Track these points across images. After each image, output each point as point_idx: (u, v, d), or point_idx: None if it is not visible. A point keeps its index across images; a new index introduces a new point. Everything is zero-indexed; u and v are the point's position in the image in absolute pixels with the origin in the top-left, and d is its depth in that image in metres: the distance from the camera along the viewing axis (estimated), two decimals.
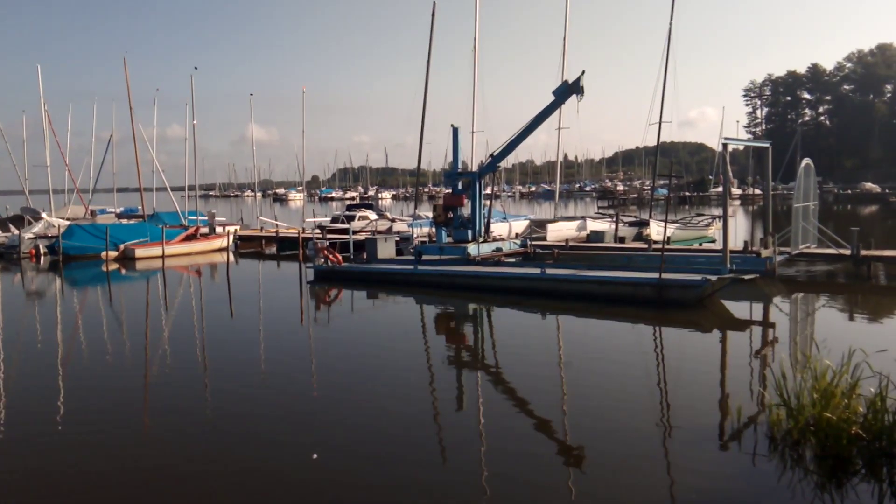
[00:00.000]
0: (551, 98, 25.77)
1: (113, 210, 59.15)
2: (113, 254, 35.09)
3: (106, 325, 20.67)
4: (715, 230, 35.99)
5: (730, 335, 16.88)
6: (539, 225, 35.99)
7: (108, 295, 27.17)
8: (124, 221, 47.39)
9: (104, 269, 32.85)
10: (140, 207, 49.42)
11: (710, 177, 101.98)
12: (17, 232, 38.25)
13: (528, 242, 29.03)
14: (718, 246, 24.94)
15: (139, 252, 35.26)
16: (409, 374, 13.76)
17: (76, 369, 14.98)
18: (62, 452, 9.95)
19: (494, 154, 27.09)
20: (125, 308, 23.97)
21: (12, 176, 53.23)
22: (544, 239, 32.98)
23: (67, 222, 40.42)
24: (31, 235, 37.61)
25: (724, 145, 21.77)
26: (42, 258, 35.89)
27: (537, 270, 22.20)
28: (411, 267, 24.99)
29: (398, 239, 31.47)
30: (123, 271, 32.35)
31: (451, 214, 27.37)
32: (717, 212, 39.34)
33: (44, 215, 42.30)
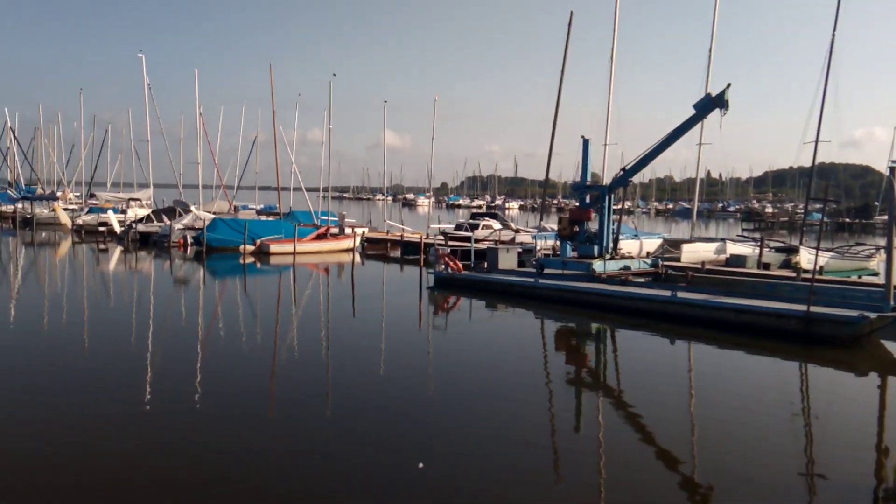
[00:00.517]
0: (692, 111, 24.68)
1: (253, 207, 62.95)
2: (250, 248, 37.28)
3: (241, 313, 21.95)
4: (878, 262, 32.92)
5: (891, 381, 15.30)
6: (673, 245, 34.53)
7: (243, 286, 28.86)
8: (263, 218, 50.28)
9: (241, 261, 34.97)
10: (277, 205, 52.24)
11: (877, 203, 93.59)
12: (169, 222, 41.59)
13: (660, 262, 27.93)
14: (881, 280, 22.77)
15: (274, 248, 37.24)
16: (525, 388, 13.58)
17: (213, 352, 15.98)
18: (196, 427, 10.65)
19: (627, 168, 26.29)
20: (259, 299, 25.34)
21: (169, 171, 58.19)
22: (678, 260, 31.58)
23: (212, 216, 43.39)
24: (181, 226, 40.70)
25: (892, 169, 19.84)
26: (189, 248, 38.71)
27: (668, 293, 21.26)
28: (532, 280, 24.73)
29: (520, 250, 31.26)
30: (258, 265, 34.28)
31: (576, 228, 26.82)
32: (882, 242, 36.09)
33: (193, 208, 45.68)
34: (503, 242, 36.75)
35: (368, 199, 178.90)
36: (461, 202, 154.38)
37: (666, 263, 28.31)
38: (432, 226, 45.00)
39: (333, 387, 13.41)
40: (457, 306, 24.12)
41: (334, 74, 64.77)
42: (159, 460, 9.44)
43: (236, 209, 56.08)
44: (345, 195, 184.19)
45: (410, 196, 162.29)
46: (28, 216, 53.97)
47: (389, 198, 65.35)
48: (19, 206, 57.14)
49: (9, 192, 68.96)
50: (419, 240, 36.12)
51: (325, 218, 45.24)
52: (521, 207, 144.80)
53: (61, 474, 8.94)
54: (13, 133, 75.78)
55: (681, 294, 21.01)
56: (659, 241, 35.83)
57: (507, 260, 27.97)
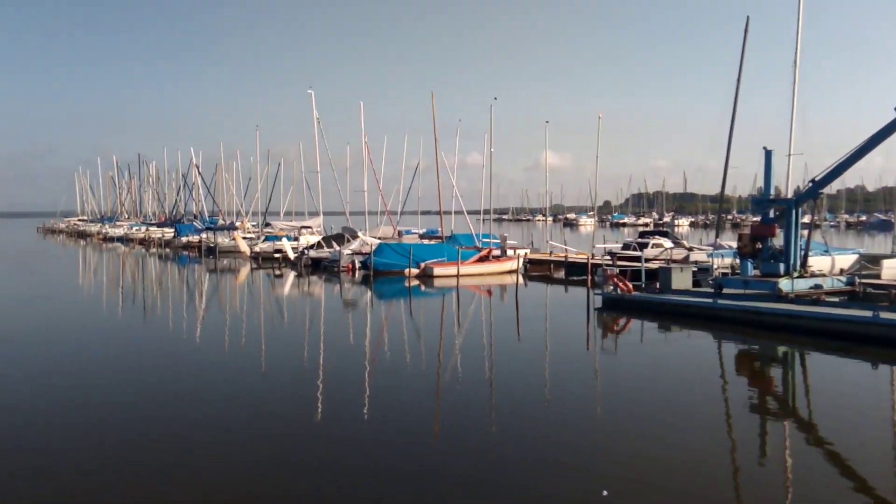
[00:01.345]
0: (892, 115, 22.61)
1: (416, 231, 65.37)
2: (414, 271, 38.76)
3: (406, 335, 22.91)
4: None
5: None
6: (871, 260, 31.55)
7: (409, 308, 30.07)
8: (426, 242, 52.11)
9: (406, 284, 36.43)
10: (440, 229, 53.91)
11: None
12: (338, 248, 44.33)
13: (857, 280, 25.66)
14: None
15: (437, 270, 38.47)
16: (704, 414, 13.03)
17: (380, 374, 16.82)
18: (360, 448, 11.27)
19: (817, 179, 24.52)
20: (423, 322, 26.29)
21: (337, 199, 61.74)
22: (878, 277, 28.83)
23: (378, 241, 45.64)
24: (349, 252, 43.20)
25: None
26: (357, 272, 40.95)
27: (868, 313, 19.50)
28: (710, 300, 23.63)
29: (695, 269, 29.97)
30: (423, 287, 35.54)
31: (759, 245, 25.31)
32: None
33: (360, 234, 48.33)
34: (675, 261, 35.41)
35: (528, 219, 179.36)
36: (626, 220, 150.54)
37: (864, 281, 25.99)
38: (598, 245, 44.35)
39: (498, 410, 13.60)
40: (627, 328, 23.59)
41: (495, 98, 66.03)
42: (325, 478, 10.10)
43: (400, 234, 58.54)
44: (504, 217, 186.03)
45: (572, 216, 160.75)
46: (211, 245, 59.67)
47: (550, 218, 65.14)
48: (204, 235, 63.43)
49: (195, 223, 76.73)
50: (585, 260, 35.75)
51: (487, 240, 46.03)
52: (692, 224, 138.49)
53: (255, 484, 9.85)
54: (198, 169, 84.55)
55: (883, 314, 19.20)
56: (854, 257, 32.89)
57: (682, 280, 26.95)
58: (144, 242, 77.64)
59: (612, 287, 26.52)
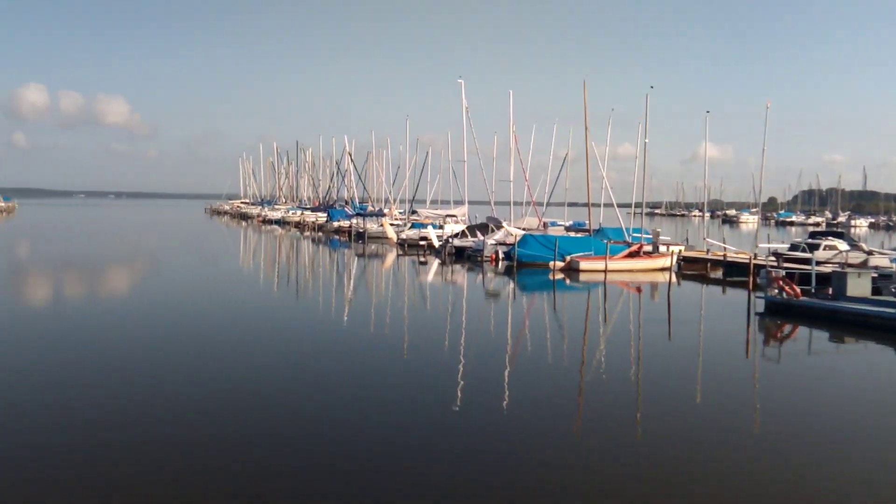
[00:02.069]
0: None
1: (562, 223, 64.40)
2: (559, 264, 38.15)
3: (548, 328, 22.55)
4: None
5: None
6: None
7: (552, 302, 29.62)
8: (572, 234, 51.18)
9: (550, 277, 35.92)
10: (587, 222, 52.73)
11: None
12: (482, 238, 44.55)
13: None
14: None
15: (583, 265, 37.63)
16: (875, 441, 11.74)
17: (520, 365, 16.63)
18: (497, 431, 11.13)
19: None
20: (566, 316, 25.78)
21: (482, 189, 61.98)
22: None
23: (523, 232, 45.36)
24: (493, 242, 43.27)
25: None
26: (500, 262, 40.95)
27: None
28: (893, 311, 21.40)
29: (875, 275, 27.26)
30: (568, 281, 34.90)
31: None
32: None
33: (504, 224, 48.30)
34: (852, 266, 32.47)
35: (683, 215, 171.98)
36: (794, 219, 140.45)
37: None
38: (761, 245, 41.53)
39: (644, 411, 13.00)
40: (792, 336, 21.89)
41: (651, 87, 63.63)
42: (464, 466, 10.04)
43: (546, 225, 57.87)
44: (657, 211, 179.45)
45: (732, 212, 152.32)
46: (360, 230, 62.05)
47: (708, 214, 61.90)
48: (354, 221, 66.05)
49: (346, 209, 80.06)
50: (746, 260, 33.62)
51: (638, 235, 44.44)
52: (873, 225, 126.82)
53: (393, 471, 10.02)
54: (350, 157, 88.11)
55: None
56: None
57: (859, 286, 24.59)
58: (299, 226, 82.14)
59: (776, 291, 24.70)
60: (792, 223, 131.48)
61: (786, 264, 30.24)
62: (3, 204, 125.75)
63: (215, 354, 16.83)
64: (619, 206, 51.28)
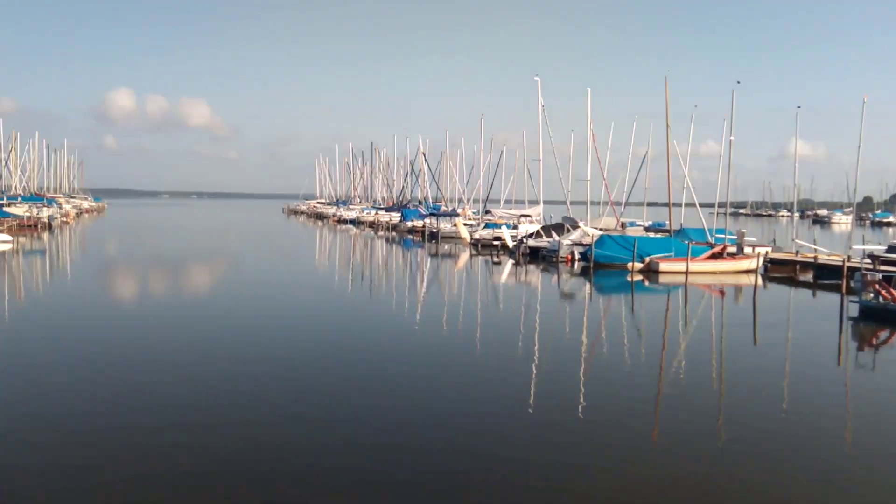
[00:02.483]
0: None
1: (641, 223, 63.05)
2: (638, 265, 37.35)
3: (625, 332, 22.09)
4: None
5: None
6: None
7: (630, 304, 29.01)
8: (651, 235, 50.02)
9: (629, 279, 35.22)
10: (667, 222, 51.45)
11: None
12: (557, 238, 44.06)
13: None
14: None
15: (663, 266, 36.73)
16: None
17: (596, 368, 16.35)
18: (571, 433, 10.94)
19: None
20: (645, 319, 25.19)
21: (558, 188, 61.31)
22: None
23: (600, 232, 44.63)
24: (569, 242, 42.73)
25: None
26: (576, 263, 40.42)
27: None
28: None
29: None
30: (647, 283, 34.13)
31: None
32: None
33: (581, 224, 47.62)
34: None
35: (769, 215, 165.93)
36: (890, 219, 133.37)
37: None
38: (855, 247, 39.62)
39: (727, 417, 12.55)
40: (889, 342, 20.78)
41: (738, 82, 61.61)
42: (535, 469, 9.92)
43: (623, 225, 56.81)
44: (741, 211, 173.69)
45: (823, 212, 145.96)
46: (434, 230, 62.40)
47: (797, 214, 59.35)
48: (427, 221, 66.47)
49: (419, 209, 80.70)
50: (839, 263, 32.12)
51: (721, 236, 43.09)
52: None
53: (462, 472, 10.00)
54: (424, 157, 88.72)
55: None
56: None
57: None
58: (373, 225, 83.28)
59: (872, 294, 23.48)
60: (889, 224, 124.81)
61: (883, 267, 28.71)
62: (94, 204, 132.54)
63: (290, 353, 17.19)
64: (702, 205, 49.86)
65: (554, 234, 45.81)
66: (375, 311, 24.87)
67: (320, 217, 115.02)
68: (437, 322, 22.48)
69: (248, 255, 49.36)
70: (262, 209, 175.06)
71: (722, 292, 31.99)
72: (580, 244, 42.05)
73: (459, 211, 72.31)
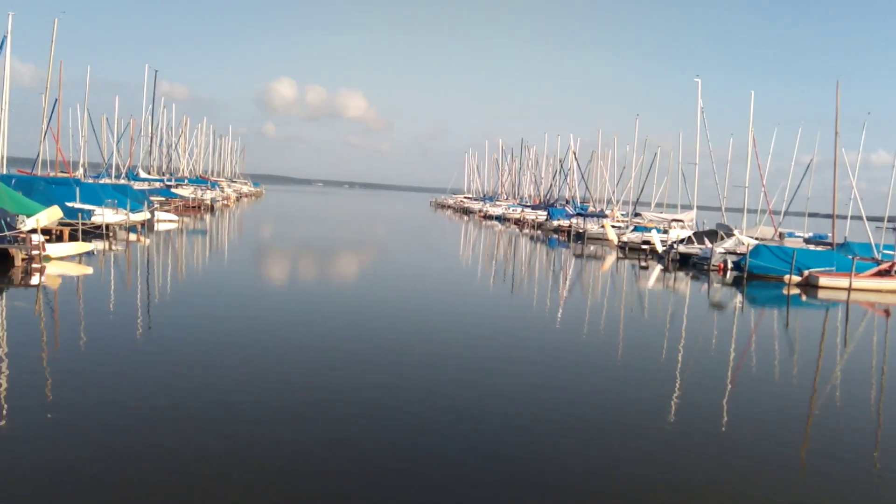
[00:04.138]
0: None
1: (800, 234, 59.57)
2: (796, 279, 35.63)
3: (777, 347, 21.37)
4: None
5: None
6: None
7: (784, 319, 27.87)
8: (811, 247, 47.31)
9: (784, 292, 33.71)
10: (829, 235, 48.45)
11: None
12: (709, 245, 42.77)
13: None
14: None
15: (823, 280, 34.84)
16: None
17: (742, 384, 16.08)
18: (713, 446, 11.05)
19: None
20: (800, 335, 24.18)
21: (713, 194, 59.15)
22: None
23: (756, 242, 42.83)
24: (722, 250, 41.35)
25: None
26: (728, 273, 39.08)
27: None
28: None
29: None
30: (804, 297, 32.56)
31: None
32: None
33: (735, 232, 45.87)
34: None
35: None
36: None
37: None
38: None
39: (884, 445, 12.15)
40: None
41: None
42: (678, 482, 10.15)
43: (781, 236, 54.00)
44: None
45: None
46: (580, 231, 62.15)
47: None
48: (574, 221, 66.24)
49: (566, 208, 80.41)
50: None
51: (890, 252, 40.16)
52: None
53: (609, 475, 10.43)
54: (574, 155, 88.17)
55: None
56: None
57: None
58: (519, 223, 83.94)
59: None
60: None
61: None
62: (253, 189, 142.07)
63: (432, 346, 18.11)
64: (869, 219, 46.59)
65: (706, 241, 44.50)
66: (515, 309, 25.47)
67: (467, 212, 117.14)
68: (577, 324, 22.77)
69: (394, 245, 51.60)
70: (411, 201, 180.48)
71: (887, 312, 29.98)
72: (734, 253, 40.66)
73: (608, 212, 71.47)
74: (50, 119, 54.13)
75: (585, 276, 38.67)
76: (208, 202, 75.20)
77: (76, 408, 11.35)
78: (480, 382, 14.34)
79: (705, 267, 40.32)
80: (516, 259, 46.60)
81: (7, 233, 25.87)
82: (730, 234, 44.99)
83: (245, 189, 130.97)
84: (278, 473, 9.22)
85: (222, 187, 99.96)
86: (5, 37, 43.32)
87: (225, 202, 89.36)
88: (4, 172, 44.42)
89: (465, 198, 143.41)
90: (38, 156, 55.88)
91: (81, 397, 11.81)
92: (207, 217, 63.66)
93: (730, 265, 39.50)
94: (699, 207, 61.47)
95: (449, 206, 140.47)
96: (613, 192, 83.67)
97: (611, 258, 47.60)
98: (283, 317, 20.11)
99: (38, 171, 54.77)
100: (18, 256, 25.80)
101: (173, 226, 50.28)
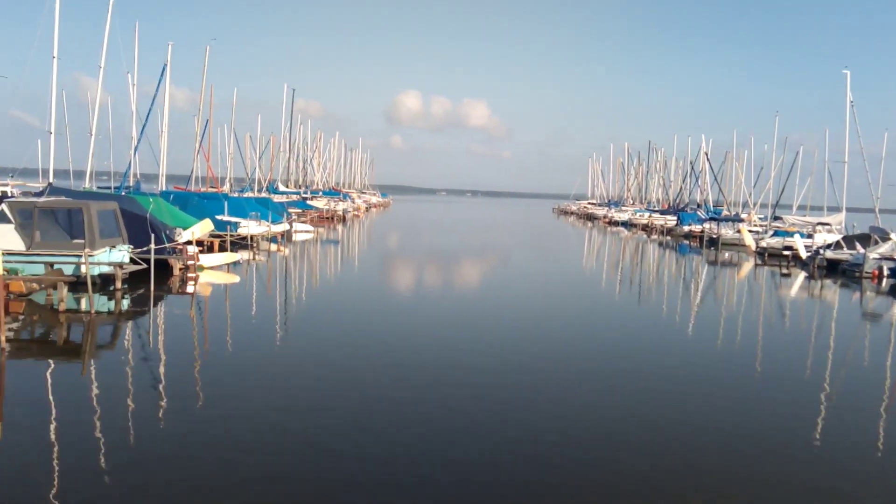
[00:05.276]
0: None
1: None
2: None
3: None
4: None
5: None
6: None
7: None
8: None
9: None
10: None
11: None
12: (862, 250, 40.01)
13: None
14: None
15: None
16: None
17: None
18: (870, 486, 10.48)
19: None
20: None
21: (865, 194, 55.12)
22: None
23: None
24: (877, 255, 38.51)
25: None
26: (883, 280, 36.32)
27: None
28: None
29: None
30: None
31: None
32: None
33: (892, 236, 42.68)
34: None
35: None
36: None
37: None
38: None
39: None
40: None
41: None
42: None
43: None
44: None
45: None
46: (713, 236, 59.68)
47: None
48: (706, 226, 63.76)
49: (698, 212, 77.56)
50: None
51: None
52: None
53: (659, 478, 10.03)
54: (706, 157, 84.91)
55: None
56: None
57: None
58: (646, 228, 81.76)
59: None
60: None
61: None
62: (381, 199, 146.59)
63: (549, 353, 17.67)
64: None
65: (858, 246, 41.57)
66: (643, 318, 24.48)
67: (590, 218, 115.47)
68: (711, 335, 21.62)
69: (517, 253, 51.63)
70: (533, 208, 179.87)
71: None
72: (890, 259, 37.86)
73: (744, 216, 68.29)
74: (202, 139, 58.41)
75: (720, 283, 37.07)
76: (341, 213, 78.68)
77: (231, 400, 12.25)
78: (598, 396, 13.87)
79: (857, 274, 37.67)
80: (643, 266, 45.44)
81: (167, 244, 28.11)
82: (885, 239, 41.88)
83: (374, 199, 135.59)
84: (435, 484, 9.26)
85: (353, 198, 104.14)
86: (165, 66, 47.07)
87: (356, 213, 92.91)
88: (164, 189, 48.36)
89: (588, 203, 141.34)
90: (191, 172, 60.49)
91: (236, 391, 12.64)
92: (340, 227, 66.32)
93: (886, 272, 36.75)
94: (848, 209, 57.63)
95: (572, 213, 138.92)
96: (750, 195, 79.95)
97: (748, 265, 45.42)
98: (412, 329, 20.59)
99: (192, 187, 59.20)
100: (176, 266, 27.99)
101: (309, 236, 52.81)
